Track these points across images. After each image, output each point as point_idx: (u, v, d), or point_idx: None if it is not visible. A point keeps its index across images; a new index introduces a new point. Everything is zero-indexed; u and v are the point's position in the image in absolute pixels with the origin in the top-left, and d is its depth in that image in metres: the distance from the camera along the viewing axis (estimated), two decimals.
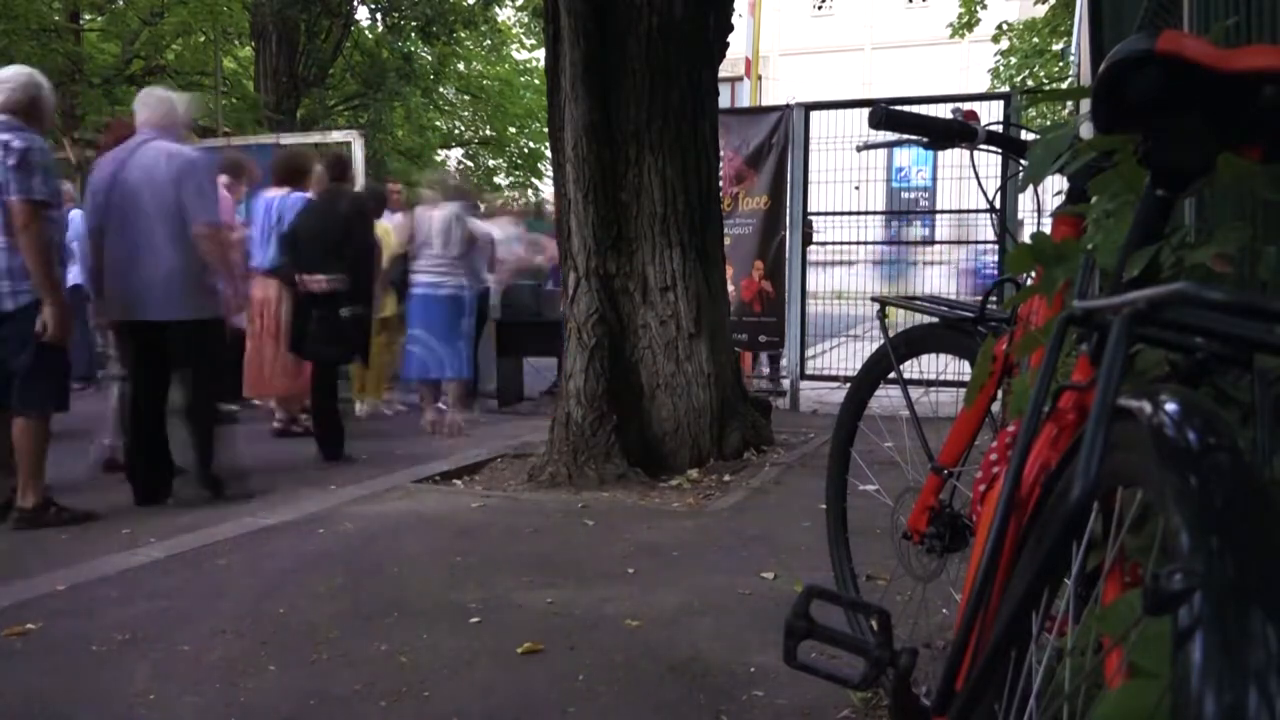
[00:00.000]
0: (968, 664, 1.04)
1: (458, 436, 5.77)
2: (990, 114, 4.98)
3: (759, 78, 13.43)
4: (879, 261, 8.15)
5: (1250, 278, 1.16)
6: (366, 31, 16.00)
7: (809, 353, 7.26)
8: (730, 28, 5.16)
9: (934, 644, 2.17)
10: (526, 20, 17.96)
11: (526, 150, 19.24)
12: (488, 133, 19.21)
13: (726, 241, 5.56)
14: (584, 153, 4.49)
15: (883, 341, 2.08)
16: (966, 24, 14.82)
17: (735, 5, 5.29)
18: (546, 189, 17.77)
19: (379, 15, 15.32)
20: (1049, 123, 8.98)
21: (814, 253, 7.31)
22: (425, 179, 7.55)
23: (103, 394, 5.09)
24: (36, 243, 3.59)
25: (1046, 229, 1.51)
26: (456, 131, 19.72)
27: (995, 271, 8.91)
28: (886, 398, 2.11)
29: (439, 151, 19.06)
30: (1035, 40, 15.35)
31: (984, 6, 14.62)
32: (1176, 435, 0.69)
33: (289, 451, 5.33)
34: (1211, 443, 0.67)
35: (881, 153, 6.85)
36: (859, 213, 7.80)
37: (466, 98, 18.95)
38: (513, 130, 18.99)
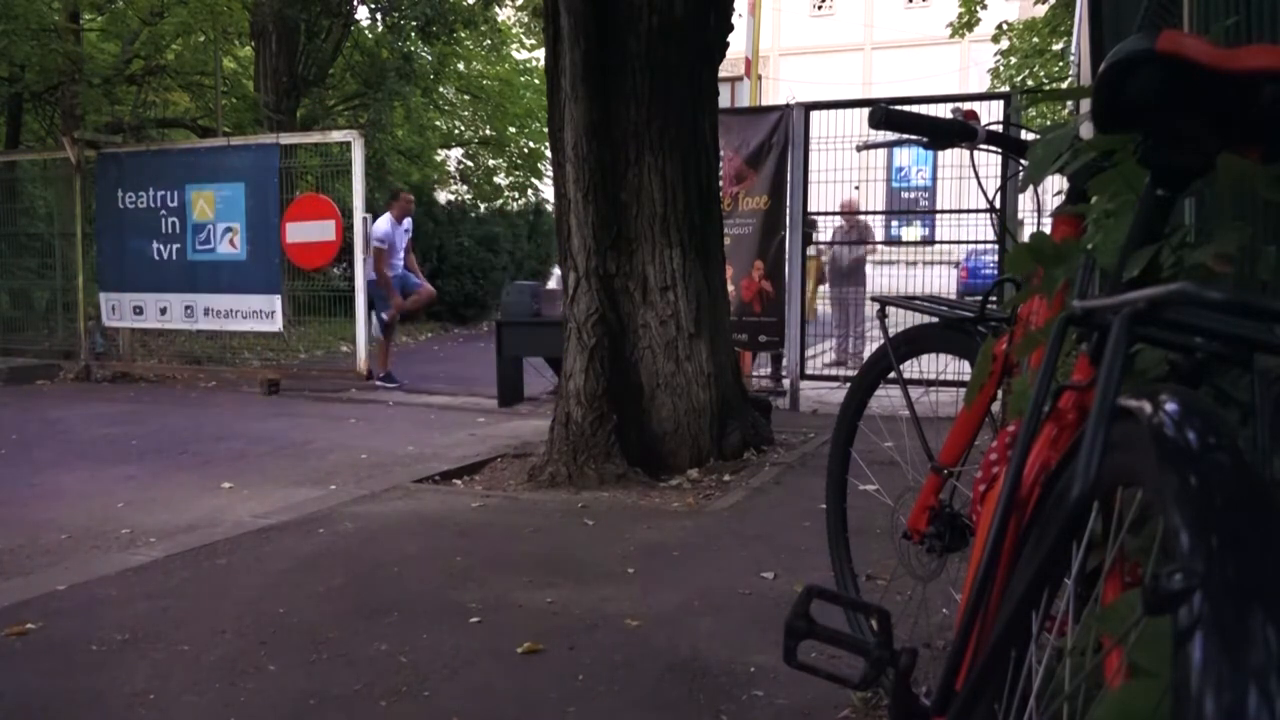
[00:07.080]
0: (968, 664, 1.04)
1: None
2: (990, 114, 4.98)
3: (759, 77, 13.44)
4: (880, 262, 8.16)
5: (1250, 278, 1.16)
6: (366, 31, 15.97)
7: (809, 352, 7.26)
8: (730, 27, 5.15)
9: (934, 644, 2.17)
10: (526, 20, 17.92)
11: (526, 150, 19.17)
12: (488, 133, 19.15)
13: (726, 241, 5.55)
14: (584, 152, 4.48)
15: (882, 341, 2.08)
16: (966, 24, 14.77)
17: (735, 5, 5.29)
18: (546, 189, 17.76)
19: (379, 15, 15.29)
20: (1049, 123, 8.99)
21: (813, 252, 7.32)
22: None
23: None
24: None
25: (1046, 229, 1.51)
26: (456, 131, 19.66)
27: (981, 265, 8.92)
28: (886, 398, 2.11)
29: (439, 151, 19.03)
30: (1035, 40, 15.31)
31: (984, 6, 14.58)
32: (1176, 435, 0.69)
33: None
34: (1211, 443, 0.67)
35: (881, 152, 6.87)
36: (859, 212, 7.82)
37: (466, 98, 18.91)
38: (513, 130, 18.92)
